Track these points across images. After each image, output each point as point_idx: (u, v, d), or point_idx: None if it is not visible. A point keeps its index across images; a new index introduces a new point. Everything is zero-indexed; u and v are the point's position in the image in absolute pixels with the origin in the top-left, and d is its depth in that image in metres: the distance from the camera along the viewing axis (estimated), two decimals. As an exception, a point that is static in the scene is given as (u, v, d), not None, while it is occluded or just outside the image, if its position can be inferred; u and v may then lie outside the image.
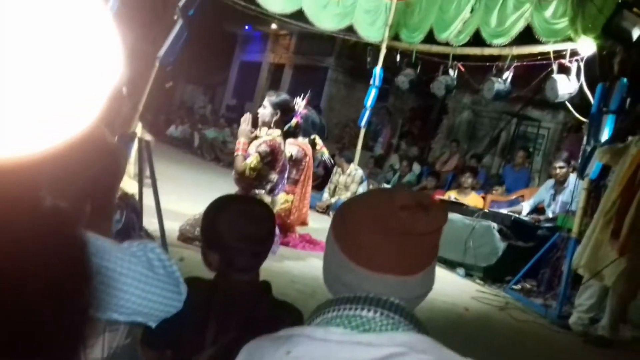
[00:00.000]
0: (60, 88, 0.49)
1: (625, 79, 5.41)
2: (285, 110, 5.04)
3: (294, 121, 5.11)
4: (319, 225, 6.61)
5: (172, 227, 5.06)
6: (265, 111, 5.01)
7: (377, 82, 9.07)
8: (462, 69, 8.14)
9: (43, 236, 0.52)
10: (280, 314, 1.67)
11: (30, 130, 0.48)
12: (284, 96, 5.22)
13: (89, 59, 0.51)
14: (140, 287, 1.14)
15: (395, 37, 9.07)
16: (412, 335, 1.06)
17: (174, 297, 1.22)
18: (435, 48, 8.37)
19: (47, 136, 0.50)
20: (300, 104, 5.43)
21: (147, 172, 5.26)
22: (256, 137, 5.00)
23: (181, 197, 6.71)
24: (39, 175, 0.58)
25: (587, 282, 5.17)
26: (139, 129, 5.40)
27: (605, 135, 5.50)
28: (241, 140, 4.86)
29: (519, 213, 7.14)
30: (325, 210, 8.61)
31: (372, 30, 9.08)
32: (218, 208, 1.70)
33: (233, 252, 1.62)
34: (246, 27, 17.51)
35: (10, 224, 0.49)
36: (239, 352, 1.20)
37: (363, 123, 9.41)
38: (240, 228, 1.63)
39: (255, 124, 5.06)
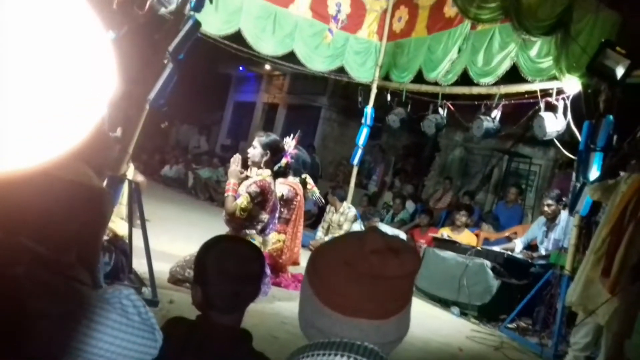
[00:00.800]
0: (53, 105, 0.50)
1: (611, 117, 5.49)
2: (275, 151, 5.07)
3: (283, 161, 5.15)
4: (311, 264, 6.56)
5: (163, 269, 5.02)
6: (255, 151, 5.05)
7: (368, 121, 9.18)
8: (452, 107, 8.24)
9: None
10: None
11: (22, 145, 0.49)
12: (273, 137, 5.26)
13: (82, 76, 0.52)
14: (114, 334, 1.13)
15: (385, 77, 9.22)
16: (385, 381, 1.05)
17: (149, 344, 1.21)
18: (424, 87, 8.50)
19: (41, 149, 0.50)
20: (290, 143, 5.47)
21: (137, 213, 5.27)
22: (246, 178, 5.02)
23: (173, 238, 6.68)
24: (23, 214, 0.58)
25: (581, 321, 5.13)
26: (130, 170, 5.41)
27: (594, 172, 5.53)
28: (231, 181, 4.88)
29: (512, 250, 7.13)
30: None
31: (363, 70, 9.23)
32: (208, 244, 1.73)
33: (213, 288, 1.63)
34: (240, 68, 17.76)
35: None
36: None
37: (356, 161, 9.47)
38: (222, 265, 1.65)
39: (245, 164, 5.09)
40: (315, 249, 1.28)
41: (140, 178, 6.11)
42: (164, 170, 15.21)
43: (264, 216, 5.00)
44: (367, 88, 9.35)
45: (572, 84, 6.17)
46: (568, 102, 6.37)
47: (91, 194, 1.99)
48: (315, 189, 6.83)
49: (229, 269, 1.64)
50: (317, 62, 8.88)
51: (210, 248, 1.71)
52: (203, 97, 17.90)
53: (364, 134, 9.26)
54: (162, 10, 5.42)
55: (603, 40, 5.50)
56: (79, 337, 1.07)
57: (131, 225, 4.95)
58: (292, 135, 5.60)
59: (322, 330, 1.09)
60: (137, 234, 4.81)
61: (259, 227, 4.97)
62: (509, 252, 6.97)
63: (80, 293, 1.11)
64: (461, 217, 8.19)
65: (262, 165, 5.02)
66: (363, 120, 9.26)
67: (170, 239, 6.48)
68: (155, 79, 4.65)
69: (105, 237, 4.45)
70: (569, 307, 5.37)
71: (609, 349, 4.93)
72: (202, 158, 15.50)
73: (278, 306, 5.08)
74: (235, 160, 4.97)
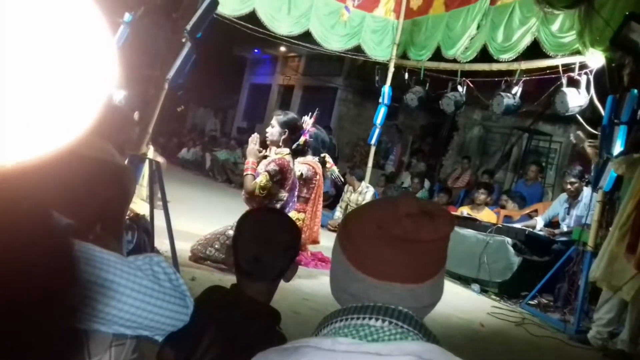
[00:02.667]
0: (54, 95, 0.49)
1: (635, 91, 5.38)
2: (293, 129, 5.06)
3: (302, 139, 5.13)
4: (330, 243, 6.50)
5: (184, 248, 5.07)
6: (274, 130, 5.03)
7: (386, 101, 9.11)
8: (471, 85, 8.14)
9: (30, 241, 0.52)
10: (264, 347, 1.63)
11: (25, 136, 0.48)
12: (291, 115, 5.25)
13: (83, 65, 0.51)
14: (146, 300, 1.13)
15: (403, 55, 9.13)
16: (420, 344, 1.04)
17: (181, 310, 1.21)
18: (443, 65, 8.40)
19: (42, 142, 0.49)
20: (308, 122, 5.45)
21: (159, 194, 5.31)
22: (265, 157, 5.02)
23: (192, 218, 6.73)
24: (48, 189, 0.58)
25: (606, 297, 5.09)
26: (150, 151, 5.44)
27: (617, 147, 5.45)
28: (250, 160, 4.88)
29: (533, 228, 7.07)
30: (337, 229, 8.57)
31: (380, 49, 9.15)
32: (247, 211, 1.78)
33: (238, 250, 1.66)
34: (255, 51, 17.71)
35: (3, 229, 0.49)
36: None
37: (373, 141, 9.43)
38: (248, 228, 1.69)
39: (263, 144, 5.08)
40: (348, 214, 1.27)
41: (160, 159, 6.14)
42: (181, 153, 15.31)
43: (283, 194, 5.00)
44: (384, 67, 9.27)
45: (595, 58, 6.06)
46: (591, 77, 6.26)
47: (114, 171, 2.00)
48: (335, 168, 6.81)
49: (252, 231, 1.67)
50: (333, 42, 8.81)
51: (247, 214, 1.74)
52: (219, 80, 17.91)
53: (381, 113, 9.20)
54: (179, -11, 5.40)
55: (627, 12, 5.37)
56: (111, 303, 1.07)
57: (152, 205, 4.98)
58: (310, 114, 5.58)
59: (355, 294, 1.08)
60: (157, 214, 4.85)
61: (278, 205, 4.97)
62: (530, 229, 6.92)
63: (112, 260, 1.12)
64: (480, 195, 8.13)
65: (280, 144, 5.01)
66: (380, 100, 9.19)
67: (190, 219, 6.53)
68: (173, 58, 4.65)
69: (127, 216, 4.49)
70: (592, 283, 5.33)
71: (634, 325, 4.90)
72: (219, 140, 15.56)
73: (299, 283, 5.10)
74: (254, 139, 4.96)
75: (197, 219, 6.79)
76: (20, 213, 0.53)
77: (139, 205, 5.09)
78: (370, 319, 1.04)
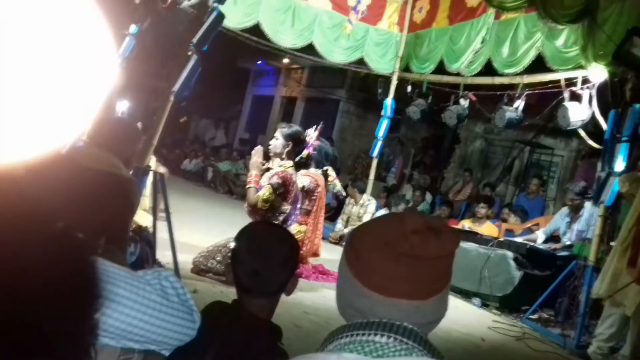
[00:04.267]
0: (54, 94, 0.50)
1: (637, 105, 5.40)
2: (297, 142, 5.07)
3: (305, 152, 5.15)
4: (331, 256, 6.58)
5: (186, 260, 5.07)
6: (277, 142, 5.05)
7: (388, 113, 9.14)
8: (474, 98, 8.17)
9: (51, 252, 0.53)
10: None
11: (24, 136, 0.48)
12: (295, 128, 5.27)
13: (82, 68, 0.52)
14: (154, 315, 1.14)
15: (405, 68, 9.17)
16: (426, 361, 1.05)
17: (188, 325, 1.22)
18: (446, 78, 8.44)
19: (41, 142, 0.50)
20: (312, 135, 5.47)
21: (162, 206, 5.32)
22: (268, 169, 5.03)
23: (194, 230, 6.73)
24: (55, 202, 0.59)
25: (608, 312, 5.08)
26: (153, 162, 5.45)
27: (619, 162, 5.46)
28: (253, 173, 4.89)
29: (534, 241, 7.07)
30: (338, 241, 8.57)
31: (383, 62, 9.19)
32: (245, 226, 1.75)
33: (237, 265, 1.64)
34: (259, 62, 17.79)
35: (19, 236, 0.50)
36: None
37: (375, 153, 9.44)
38: (246, 242, 1.68)
39: (266, 156, 5.10)
40: (353, 230, 1.28)
41: (162, 169, 6.15)
42: (183, 164, 15.33)
43: (286, 207, 5.01)
44: (387, 80, 9.31)
45: (598, 73, 6.08)
46: (593, 91, 6.28)
47: (120, 183, 2.01)
48: (337, 181, 6.83)
49: (250, 246, 1.66)
50: (337, 54, 8.86)
51: (244, 229, 1.73)
52: (222, 91, 17.97)
53: (383, 125, 9.22)
54: (185, 3, 5.44)
55: (630, 28, 5.40)
56: (120, 317, 1.08)
57: (155, 216, 4.99)
58: (315, 127, 5.60)
59: (361, 310, 1.09)
60: (160, 226, 4.86)
61: (281, 218, 4.98)
62: (532, 243, 6.91)
63: (122, 274, 1.13)
64: (481, 209, 8.13)
65: (284, 156, 5.02)
66: (383, 112, 9.22)
67: (192, 231, 6.53)
68: (179, 71, 4.68)
69: (130, 228, 4.49)
70: (594, 298, 5.31)
71: (635, 340, 4.88)
72: (221, 151, 15.59)
73: (300, 296, 5.10)
74: (257, 152, 4.97)
75: (198, 230, 6.79)
76: (53, 233, 0.54)
77: (142, 216, 5.09)
78: (375, 335, 1.05)
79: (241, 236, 1.70)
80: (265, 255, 1.65)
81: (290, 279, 1.71)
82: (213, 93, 16.25)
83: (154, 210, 5.06)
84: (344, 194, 7.88)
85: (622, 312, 4.92)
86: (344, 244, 1.21)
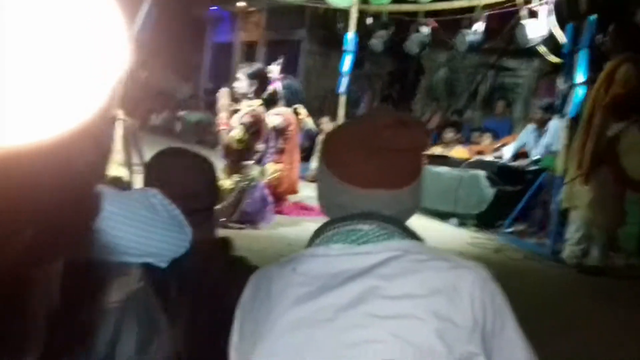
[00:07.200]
0: (63, 76, 0.48)
1: (593, 17, 5.48)
2: (261, 79, 5.09)
3: (271, 88, 5.17)
4: (310, 193, 6.67)
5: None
6: (242, 84, 5.05)
7: (351, 48, 9.07)
8: (435, 24, 8.16)
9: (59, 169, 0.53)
10: (234, 276, 1.47)
11: (31, 119, 0.47)
12: (257, 66, 5.28)
13: (93, 48, 0.49)
14: (146, 228, 1.20)
15: (364, 0, 9.05)
16: (407, 242, 1.14)
17: (181, 237, 1.28)
18: (405, 7, 8.38)
19: (50, 125, 0.48)
20: (274, 70, 5.47)
21: (135, 159, 5.29)
22: (236, 111, 5.05)
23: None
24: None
25: (572, 217, 5.34)
26: (120, 115, 5.39)
27: (580, 74, 5.59)
28: (222, 115, 4.91)
29: (501, 158, 7.27)
30: (315, 179, 8.64)
31: (341, -5, 9.03)
32: (149, 162, 1.67)
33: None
34: (214, 8, 17.35)
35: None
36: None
37: (342, 90, 9.41)
38: (166, 179, 1.55)
39: (234, 99, 5.09)
40: (328, 133, 1.35)
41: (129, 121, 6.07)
42: (150, 119, 15.13)
43: (260, 146, 5.07)
44: (346, 14, 9.18)
45: (553, -13, 6.12)
46: (551, 6, 6.33)
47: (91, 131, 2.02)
48: (309, 119, 6.85)
49: (171, 180, 1.55)
50: (294, -8, 8.69)
51: (151, 165, 1.63)
52: (180, 42, 17.52)
53: (347, 61, 9.14)
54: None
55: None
56: (113, 232, 1.14)
57: (131, 169, 4.99)
58: (275, 62, 5.58)
59: (343, 205, 1.17)
60: (136, 179, 4.86)
61: (256, 157, 5.04)
62: (502, 161, 7.11)
63: (110, 192, 1.17)
64: (448, 134, 8.30)
65: (250, 95, 5.03)
66: (345, 47, 9.14)
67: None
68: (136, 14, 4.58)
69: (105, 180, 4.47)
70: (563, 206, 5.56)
71: (599, 240, 5.15)
72: (188, 103, 15.40)
73: (283, 231, 5.22)
74: (223, 94, 4.97)
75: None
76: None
77: (116, 169, 5.07)
78: (358, 223, 1.14)
79: (149, 172, 1.62)
80: (178, 182, 1.57)
81: (215, 189, 1.71)
82: (171, 45, 15.86)
83: (129, 163, 5.05)
84: (316, 130, 7.90)
85: (582, 214, 5.18)
86: (319, 147, 1.28)
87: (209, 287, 1.37)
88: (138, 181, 4.82)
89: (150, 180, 1.58)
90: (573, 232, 5.34)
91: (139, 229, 1.19)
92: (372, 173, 1.14)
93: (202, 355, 1.31)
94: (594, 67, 5.51)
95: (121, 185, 4.78)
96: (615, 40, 5.11)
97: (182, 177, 1.57)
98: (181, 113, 14.48)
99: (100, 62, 0.49)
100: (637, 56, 4.94)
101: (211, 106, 14.21)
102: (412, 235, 1.16)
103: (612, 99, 4.83)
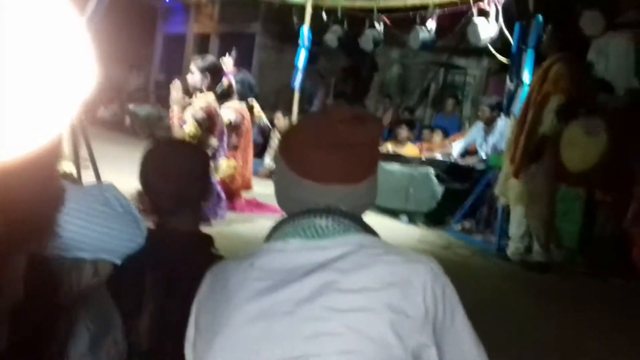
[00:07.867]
0: (31, 95, 0.48)
1: (540, 16, 5.66)
2: (214, 72, 5.03)
3: (225, 81, 5.11)
4: (263, 190, 6.65)
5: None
6: (195, 77, 4.98)
7: (305, 43, 9.08)
8: (388, 21, 8.26)
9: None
10: None
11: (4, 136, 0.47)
12: (210, 58, 5.21)
13: (61, 68, 0.50)
14: (100, 223, 1.18)
15: (319, -5, 9.07)
16: (362, 236, 1.17)
17: (135, 232, 1.27)
18: (359, 3, 8.46)
19: (19, 143, 0.48)
20: (227, 62, 5.42)
21: (83, 153, 5.14)
22: (189, 104, 4.97)
23: (120, 174, 6.57)
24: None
25: (513, 213, 5.51)
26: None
27: (526, 73, 5.77)
28: (174, 108, 4.82)
29: (449, 155, 7.43)
30: (269, 175, 8.62)
31: (296, -10, 9.03)
32: (146, 151, 1.71)
33: (157, 189, 1.61)
34: (166, -1, 17.02)
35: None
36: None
37: (296, 85, 9.42)
38: (163, 166, 1.63)
39: (187, 93, 5.02)
40: (285, 130, 1.37)
41: (76, 114, 5.91)
42: (99, 112, 14.72)
43: (214, 141, 5.01)
44: (301, 9, 9.19)
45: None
46: (500, 6, 6.49)
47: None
48: (263, 115, 6.81)
49: (169, 168, 1.62)
50: (248, -16, 8.62)
51: (147, 153, 1.68)
52: (130, 32, 17.10)
53: (302, 55, 9.17)
54: None
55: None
56: (67, 227, 1.12)
57: (78, 164, 4.84)
58: (228, 54, 5.53)
59: (300, 200, 1.18)
60: (85, 174, 4.72)
61: (210, 153, 4.97)
62: (452, 160, 7.27)
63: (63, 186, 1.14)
64: (402, 132, 8.42)
65: (203, 89, 4.97)
66: (300, 42, 9.15)
67: (117, 176, 6.38)
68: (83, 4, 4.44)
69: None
70: (500, 201, 5.75)
71: (536, 234, 5.34)
72: (138, 95, 15.06)
73: (236, 228, 5.19)
74: (176, 86, 4.89)
75: (124, 173, 6.63)
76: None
77: (65, 164, 4.92)
78: (314, 217, 1.15)
79: (146, 161, 1.66)
80: (175, 170, 1.62)
81: (208, 185, 1.73)
82: (121, 35, 15.46)
83: (76, 157, 4.90)
84: (270, 126, 7.88)
85: (517, 209, 5.37)
86: (277, 143, 1.29)
87: (185, 280, 1.37)
88: (87, 176, 4.70)
89: (146, 170, 1.61)
90: (515, 228, 5.51)
91: (95, 224, 1.17)
92: (329, 168, 1.15)
93: (173, 346, 1.31)
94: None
95: (72, 180, 4.63)
96: (551, 41, 5.29)
97: (180, 167, 1.60)
98: (130, 106, 14.14)
99: (67, 82, 0.51)
100: (570, 56, 5.14)
101: (162, 99, 13.96)
102: (368, 229, 1.18)
103: (543, 97, 5.03)
